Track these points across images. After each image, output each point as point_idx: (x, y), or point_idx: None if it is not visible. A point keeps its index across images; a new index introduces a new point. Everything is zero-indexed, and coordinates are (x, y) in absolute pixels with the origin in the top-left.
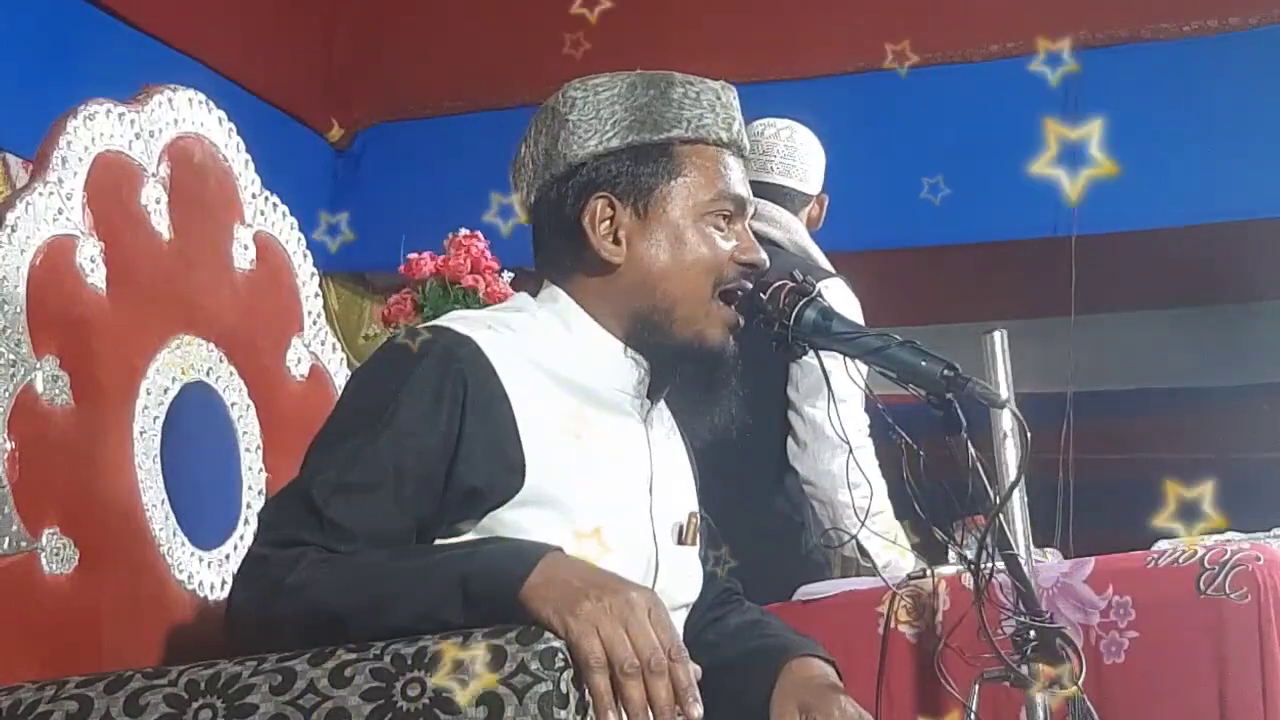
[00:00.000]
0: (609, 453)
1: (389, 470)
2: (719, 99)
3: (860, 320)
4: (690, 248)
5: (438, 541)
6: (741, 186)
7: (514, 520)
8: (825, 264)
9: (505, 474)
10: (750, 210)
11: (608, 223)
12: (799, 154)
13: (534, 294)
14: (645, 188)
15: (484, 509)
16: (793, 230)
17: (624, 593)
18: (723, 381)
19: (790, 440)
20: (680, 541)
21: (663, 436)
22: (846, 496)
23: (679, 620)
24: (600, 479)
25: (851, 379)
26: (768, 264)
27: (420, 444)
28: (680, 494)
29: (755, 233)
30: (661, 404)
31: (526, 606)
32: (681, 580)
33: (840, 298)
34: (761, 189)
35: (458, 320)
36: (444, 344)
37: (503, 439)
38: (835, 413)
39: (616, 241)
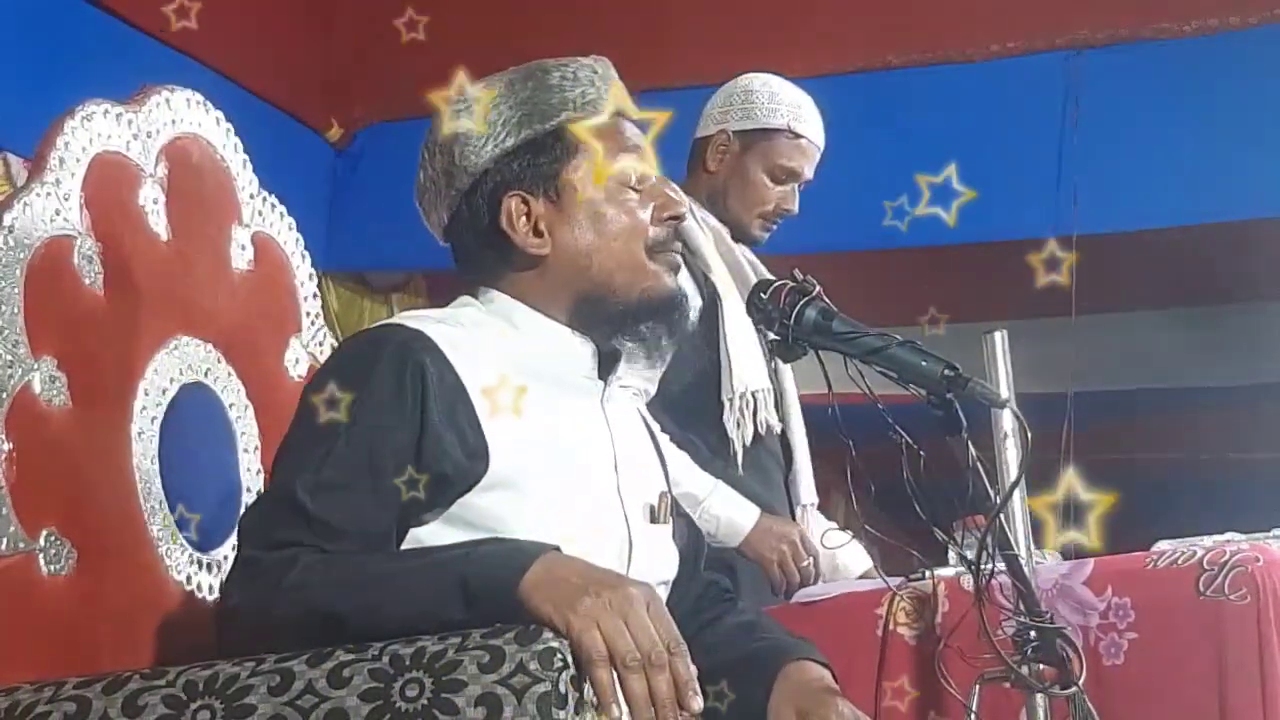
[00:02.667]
0: (570, 434)
1: (364, 466)
2: (596, 73)
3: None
4: (610, 219)
5: (410, 530)
6: (640, 145)
7: (482, 505)
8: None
9: (469, 460)
10: (654, 163)
11: (525, 218)
12: (702, 107)
13: (474, 297)
14: (551, 175)
15: (452, 496)
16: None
17: (622, 588)
18: (681, 320)
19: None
20: (653, 520)
21: (622, 417)
22: None
23: (660, 596)
24: (563, 460)
25: None
26: (686, 209)
27: (391, 438)
28: (649, 474)
29: None
30: (617, 386)
31: (526, 604)
32: (658, 559)
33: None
34: None
35: (408, 317)
36: (399, 339)
37: (464, 425)
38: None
39: (539, 234)
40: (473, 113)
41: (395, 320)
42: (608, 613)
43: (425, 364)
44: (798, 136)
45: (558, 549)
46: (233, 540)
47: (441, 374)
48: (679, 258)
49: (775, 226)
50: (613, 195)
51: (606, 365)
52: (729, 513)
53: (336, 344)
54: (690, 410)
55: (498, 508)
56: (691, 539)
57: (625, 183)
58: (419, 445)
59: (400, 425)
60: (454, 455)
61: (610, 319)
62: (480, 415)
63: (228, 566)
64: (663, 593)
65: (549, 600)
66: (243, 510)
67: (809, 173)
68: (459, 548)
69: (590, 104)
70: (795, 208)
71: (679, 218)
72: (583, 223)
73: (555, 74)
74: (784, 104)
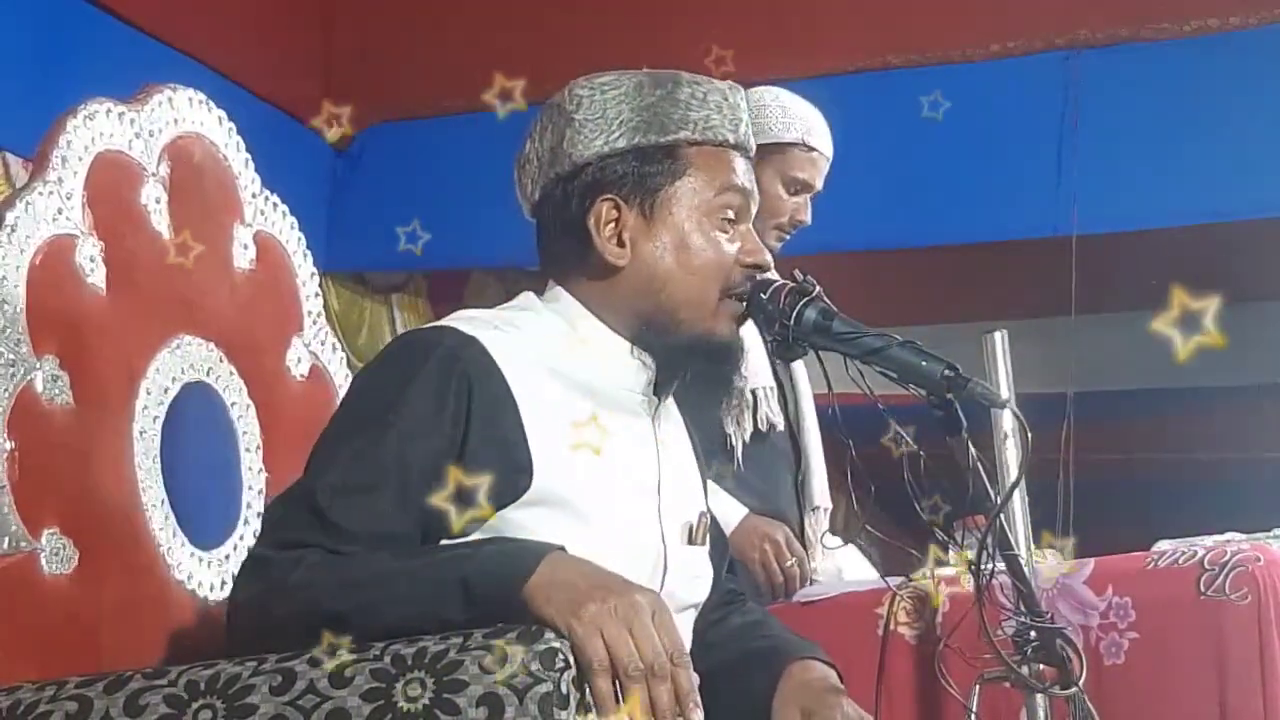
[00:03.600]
0: (617, 452)
1: (393, 471)
2: (726, 100)
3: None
4: (695, 251)
5: (443, 542)
6: (748, 186)
7: (520, 520)
8: None
9: (512, 474)
10: (754, 210)
11: (613, 224)
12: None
13: (539, 293)
14: (651, 189)
15: (490, 509)
16: None
17: (628, 595)
18: (732, 372)
19: None
20: (690, 541)
21: (671, 436)
22: None
23: (686, 621)
24: (607, 479)
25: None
26: (772, 265)
27: (425, 445)
28: (689, 494)
29: None
30: (669, 403)
31: (529, 605)
32: (689, 581)
33: None
34: None
35: (463, 320)
36: (449, 345)
37: (509, 440)
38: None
39: (621, 244)
40: (596, 102)
41: (451, 323)
42: (612, 619)
43: (471, 376)
44: (810, 149)
45: (563, 549)
46: (234, 539)
47: (488, 386)
48: (743, 308)
49: (789, 237)
50: (704, 228)
51: (663, 384)
52: (714, 510)
53: (338, 344)
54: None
55: (535, 524)
56: (719, 551)
57: (721, 219)
58: (457, 456)
59: (436, 434)
60: (493, 469)
61: (665, 349)
62: (528, 429)
63: (230, 565)
64: (691, 616)
65: (552, 603)
66: (252, 507)
67: (820, 184)
68: (465, 546)
69: (710, 130)
70: (809, 218)
71: (762, 268)
72: (668, 245)
73: (685, 90)
74: (797, 117)
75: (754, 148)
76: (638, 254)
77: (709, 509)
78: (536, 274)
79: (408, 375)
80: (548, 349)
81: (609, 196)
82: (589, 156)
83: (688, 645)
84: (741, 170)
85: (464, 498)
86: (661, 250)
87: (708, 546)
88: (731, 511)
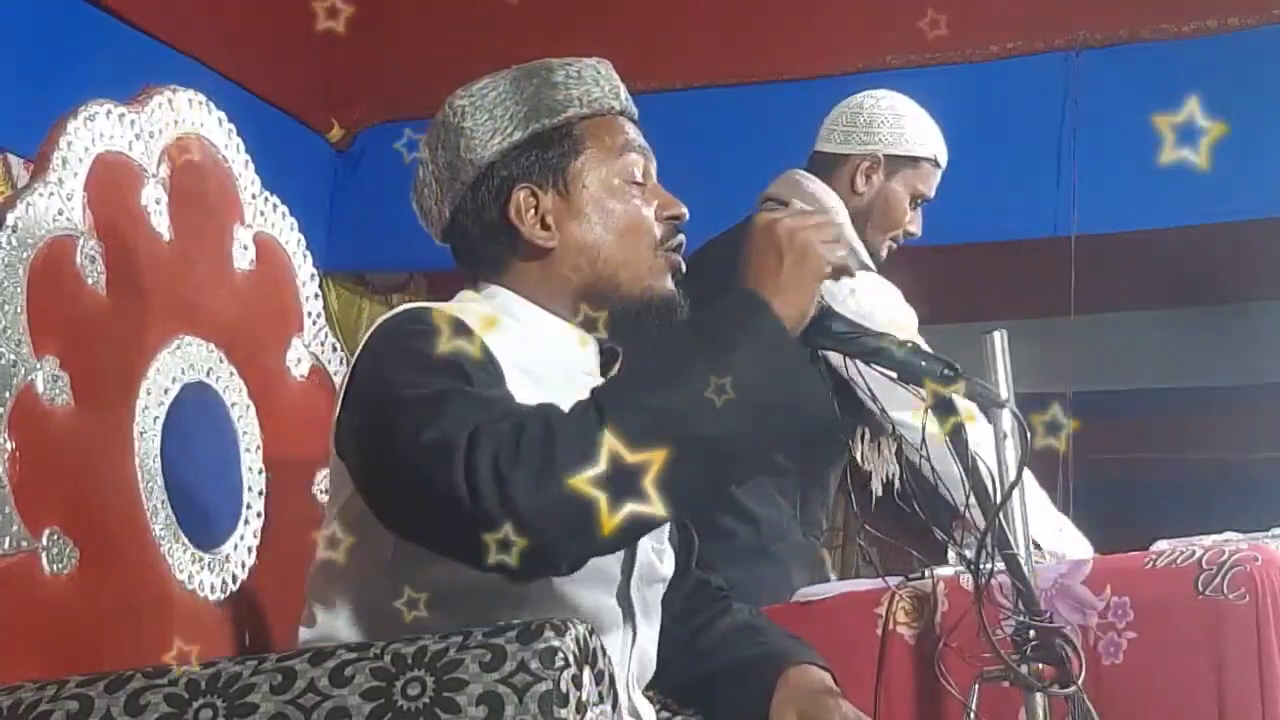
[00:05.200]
0: None
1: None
2: (600, 73)
3: (902, 309)
4: (617, 215)
5: None
6: (645, 144)
7: None
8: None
9: None
10: (655, 167)
11: (533, 210)
12: (836, 116)
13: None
14: (558, 169)
15: None
16: (814, 195)
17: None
18: (677, 322)
19: None
20: None
21: None
22: None
23: (657, 595)
24: None
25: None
26: (687, 214)
27: (496, 371)
28: None
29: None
30: None
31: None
32: (657, 554)
33: (873, 291)
34: (808, 161)
35: (425, 308)
36: (446, 313)
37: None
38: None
39: (546, 227)
40: (478, 107)
41: (413, 306)
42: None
43: (480, 336)
44: (938, 166)
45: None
46: (234, 539)
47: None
48: (680, 259)
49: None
50: (618, 192)
51: (607, 362)
52: None
53: (338, 344)
54: None
55: None
56: (683, 536)
57: (630, 180)
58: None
59: (499, 381)
60: None
61: (613, 316)
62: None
63: (230, 565)
64: (660, 589)
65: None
66: (252, 507)
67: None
68: None
69: (595, 101)
70: (919, 230)
71: (680, 217)
72: (590, 217)
73: (560, 72)
74: (932, 133)
75: (636, 113)
76: (564, 232)
77: None
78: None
79: (440, 333)
80: (499, 337)
81: (523, 185)
82: (490, 156)
83: (658, 618)
84: (634, 132)
85: None
86: (586, 222)
87: (668, 525)
88: None
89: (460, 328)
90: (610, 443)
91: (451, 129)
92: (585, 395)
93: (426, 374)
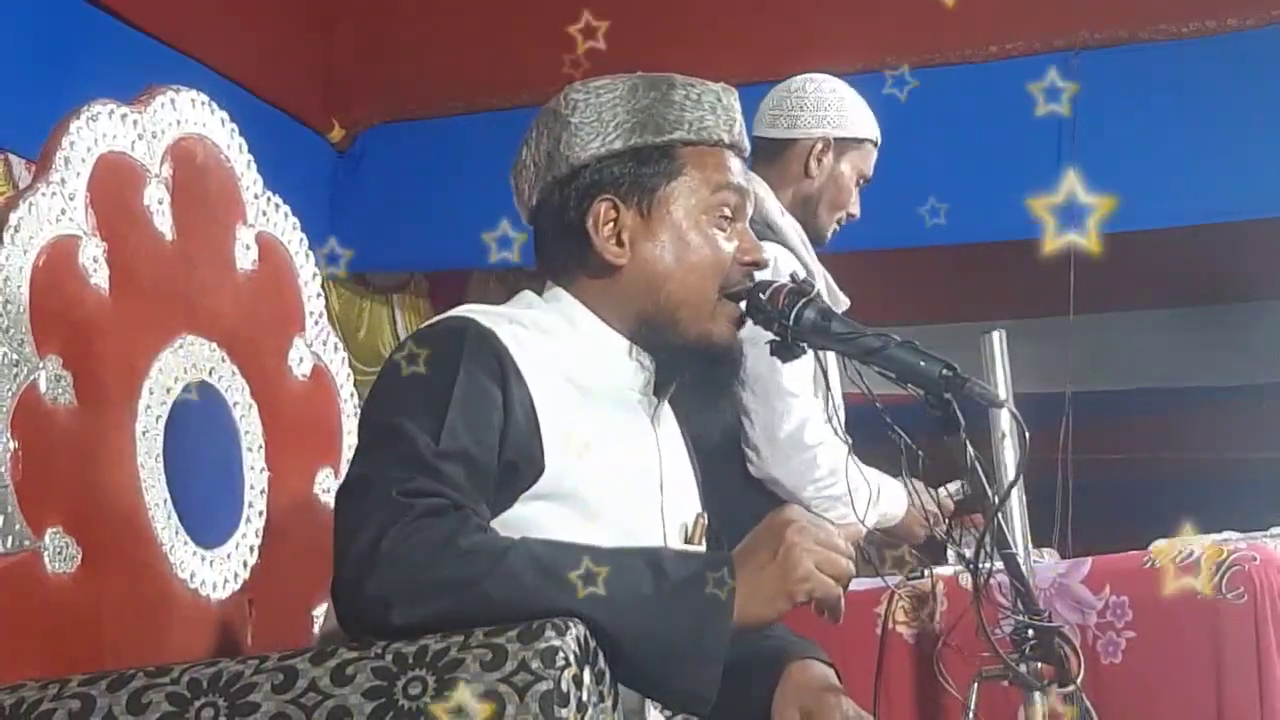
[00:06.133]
0: (621, 451)
1: (470, 444)
2: (720, 101)
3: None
4: (694, 249)
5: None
6: (743, 185)
7: (529, 515)
8: (782, 224)
9: (529, 461)
10: (750, 210)
11: (611, 225)
12: (779, 101)
13: (538, 293)
14: (648, 189)
15: (516, 491)
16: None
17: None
18: (730, 376)
19: (743, 442)
20: (686, 541)
21: (669, 437)
22: (811, 491)
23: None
24: (614, 477)
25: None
26: (768, 263)
27: (485, 419)
28: (687, 494)
29: None
30: (666, 405)
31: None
32: None
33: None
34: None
35: (477, 313)
36: (477, 330)
37: (525, 429)
38: (836, 414)
39: (620, 244)
40: (589, 105)
41: (464, 314)
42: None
43: (502, 361)
44: (876, 146)
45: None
46: (236, 538)
47: (512, 373)
48: (743, 312)
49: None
50: (701, 226)
51: (662, 383)
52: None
53: (340, 344)
54: None
55: (544, 518)
56: (710, 534)
57: (718, 217)
58: (501, 430)
59: (493, 408)
60: (519, 449)
61: (664, 349)
62: (541, 421)
63: (231, 564)
64: None
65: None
66: (254, 506)
67: None
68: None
69: (705, 130)
70: (859, 212)
71: (759, 265)
72: (666, 244)
73: (680, 91)
74: (869, 114)
75: (748, 148)
76: (637, 253)
77: (703, 511)
78: (535, 274)
79: (454, 354)
80: (552, 346)
81: (607, 197)
82: (586, 159)
83: None
84: (737, 169)
85: (502, 473)
86: (660, 249)
87: (704, 547)
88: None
89: (483, 353)
90: (487, 574)
91: (559, 120)
92: (634, 413)
93: (409, 410)
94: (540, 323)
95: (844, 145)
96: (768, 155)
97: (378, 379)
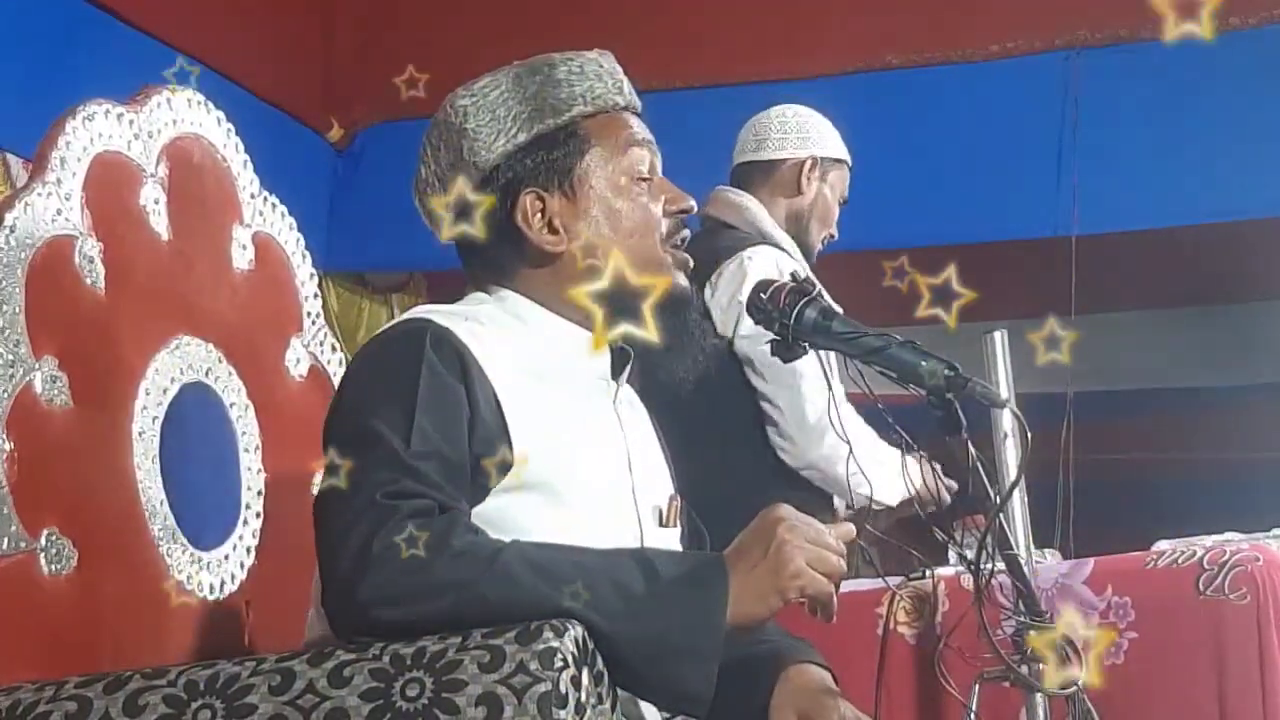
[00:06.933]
0: (587, 436)
1: (441, 444)
2: (603, 67)
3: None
4: (625, 215)
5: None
6: (650, 139)
7: (502, 507)
8: (776, 235)
9: (498, 455)
10: (660, 162)
11: (540, 215)
12: (763, 127)
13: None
14: (564, 170)
15: (488, 485)
16: (743, 207)
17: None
18: (691, 322)
19: (772, 433)
20: (661, 524)
21: (634, 419)
22: (844, 469)
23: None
24: (582, 463)
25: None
26: (695, 207)
27: (452, 417)
28: (658, 477)
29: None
30: (628, 388)
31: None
32: None
33: (761, 266)
34: (731, 176)
35: (434, 313)
36: (434, 330)
37: (493, 421)
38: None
39: (554, 231)
40: (480, 107)
41: (420, 315)
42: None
43: (462, 353)
44: (850, 170)
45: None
46: (233, 540)
47: (475, 366)
48: (689, 257)
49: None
50: (625, 190)
51: (618, 365)
52: None
53: (337, 344)
54: None
55: (518, 510)
56: (694, 538)
57: (636, 176)
58: (467, 429)
59: (461, 406)
60: (487, 444)
61: (623, 314)
62: (506, 414)
63: (228, 566)
64: None
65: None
66: (251, 507)
67: None
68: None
69: (599, 98)
70: (838, 233)
71: (688, 210)
72: (598, 218)
73: (562, 68)
74: (841, 140)
75: (639, 106)
76: (572, 235)
77: (677, 493)
78: (475, 281)
79: (415, 357)
80: (509, 339)
81: (529, 189)
82: (495, 160)
83: None
84: (639, 126)
85: (473, 470)
86: (594, 224)
87: (679, 530)
88: None
89: (443, 352)
90: (481, 573)
91: (454, 130)
92: (596, 399)
93: (379, 414)
94: (495, 318)
95: (828, 165)
96: (759, 178)
97: (340, 387)
